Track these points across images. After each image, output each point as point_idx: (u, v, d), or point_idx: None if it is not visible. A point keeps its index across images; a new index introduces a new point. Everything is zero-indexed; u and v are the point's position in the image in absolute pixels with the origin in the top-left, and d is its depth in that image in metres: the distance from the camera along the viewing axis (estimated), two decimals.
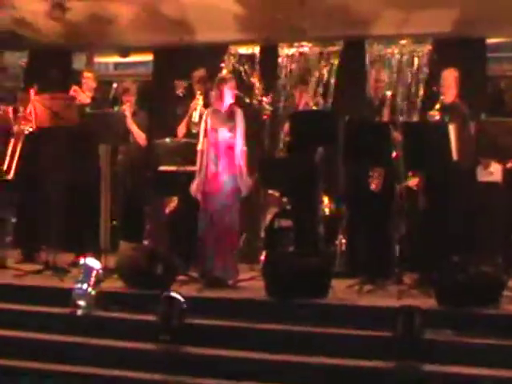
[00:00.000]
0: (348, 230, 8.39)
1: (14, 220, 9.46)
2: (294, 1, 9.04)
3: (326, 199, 8.80)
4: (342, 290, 7.15)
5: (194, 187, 7.58)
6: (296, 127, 7.78)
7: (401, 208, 7.67)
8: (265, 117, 8.93)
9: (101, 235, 8.76)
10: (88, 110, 8.26)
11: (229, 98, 7.62)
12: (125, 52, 10.68)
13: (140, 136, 8.49)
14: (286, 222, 8.52)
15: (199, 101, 8.28)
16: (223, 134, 7.56)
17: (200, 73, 8.52)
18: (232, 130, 7.54)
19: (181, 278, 7.57)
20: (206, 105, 8.08)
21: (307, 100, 8.47)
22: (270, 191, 8.80)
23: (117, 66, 11.20)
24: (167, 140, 7.87)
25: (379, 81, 7.96)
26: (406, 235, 7.77)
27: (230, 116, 7.58)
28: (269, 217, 8.79)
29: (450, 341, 6.01)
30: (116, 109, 8.54)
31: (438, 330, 6.06)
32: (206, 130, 7.56)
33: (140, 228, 8.78)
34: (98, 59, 10.92)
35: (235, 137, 7.54)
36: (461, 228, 7.47)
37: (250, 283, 7.52)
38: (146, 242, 9.16)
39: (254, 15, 9.58)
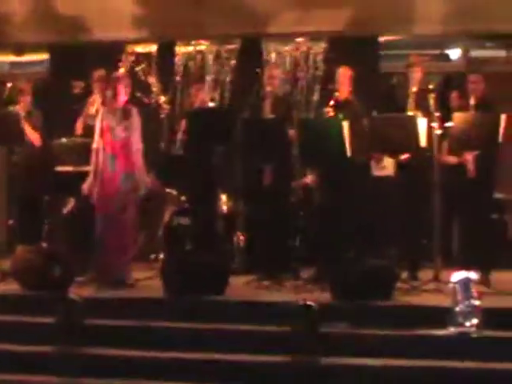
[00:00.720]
0: (245, 226, 8.46)
1: None
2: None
3: (224, 197, 8.87)
4: (240, 287, 7.23)
5: (85, 186, 7.52)
6: (191, 125, 7.84)
7: (297, 204, 7.82)
8: (162, 116, 8.92)
9: None
10: None
11: (123, 96, 7.58)
12: (19, 50, 10.48)
13: (34, 136, 8.35)
14: (184, 220, 8.53)
15: (97, 99, 8.22)
16: (118, 132, 7.52)
17: (99, 72, 8.44)
18: (127, 128, 7.51)
19: (79, 279, 7.53)
20: (104, 104, 8.01)
21: (204, 98, 8.50)
22: (168, 190, 8.78)
23: (12, 65, 10.98)
24: (63, 140, 7.79)
25: (273, 78, 8.01)
26: (303, 231, 7.93)
27: (126, 115, 7.55)
28: (167, 215, 8.78)
29: (346, 333, 6.14)
30: (10, 109, 8.38)
31: (334, 324, 6.18)
32: (101, 129, 7.51)
33: (38, 229, 8.61)
34: None
35: (131, 135, 7.51)
36: (356, 222, 7.60)
37: (149, 282, 7.51)
38: (43, 244, 9.02)
39: (150, 13, 9.57)
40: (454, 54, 10.73)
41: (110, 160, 7.49)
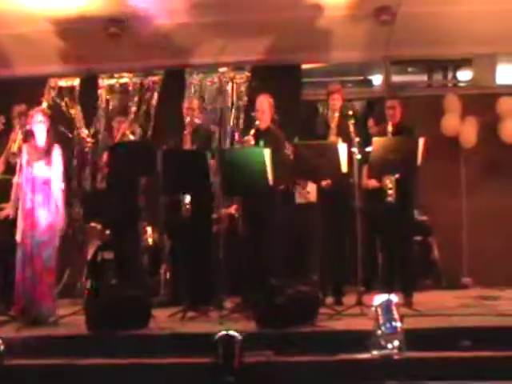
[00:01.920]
0: (170, 258, 8.42)
1: None
2: (114, 32, 9.01)
3: (149, 229, 8.84)
4: (164, 319, 7.17)
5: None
6: (113, 159, 7.77)
7: (221, 234, 7.81)
8: (86, 149, 8.87)
9: None
10: None
11: (42, 132, 7.50)
12: None
13: None
14: (108, 254, 8.45)
15: (18, 135, 8.11)
16: (39, 168, 7.43)
17: (20, 107, 8.35)
18: (48, 164, 7.43)
19: (1, 318, 7.40)
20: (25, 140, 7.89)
21: (125, 131, 8.44)
22: (93, 224, 8.70)
23: None
24: None
25: (190, 109, 8.01)
26: (226, 260, 7.91)
27: (47, 151, 7.47)
28: (91, 250, 8.69)
29: (270, 362, 6.12)
30: None
31: (258, 352, 6.15)
32: (21, 165, 7.42)
33: None
34: None
35: (51, 173, 7.44)
36: (279, 251, 7.59)
37: (73, 318, 7.35)
38: None
39: (73, 47, 9.52)
40: (377, 79, 10.90)
41: (30, 196, 7.39)
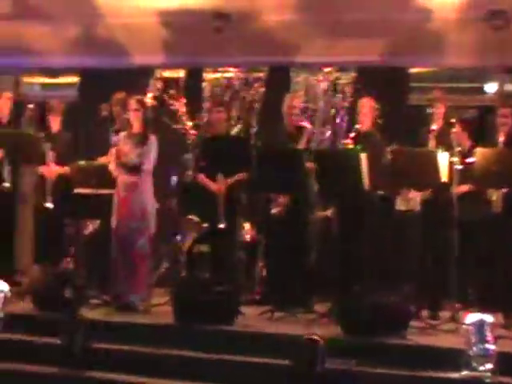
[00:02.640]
0: (264, 256, 8.38)
1: None
2: (219, 26, 9.03)
3: (247, 225, 8.81)
4: (252, 318, 7.16)
5: None
6: (207, 152, 7.81)
7: (314, 236, 7.73)
8: (189, 141, 8.92)
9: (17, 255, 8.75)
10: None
11: (140, 122, 7.59)
12: (54, 73, 10.59)
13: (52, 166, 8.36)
14: (203, 248, 8.48)
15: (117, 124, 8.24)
16: (132, 158, 7.54)
17: (119, 95, 8.45)
18: (141, 155, 7.53)
19: (94, 301, 7.55)
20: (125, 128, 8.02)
21: (223, 123, 8.42)
22: (190, 216, 8.74)
23: (44, 87, 11.10)
24: (82, 162, 7.80)
25: (292, 107, 7.93)
26: (319, 263, 7.83)
27: (143, 139, 7.56)
28: (188, 242, 8.74)
29: (353, 371, 6.00)
30: (31, 131, 8.46)
31: (342, 360, 6.06)
32: (117, 152, 7.53)
33: (57, 250, 8.63)
34: (25, 80, 10.81)
35: (145, 161, 7.52)
36: (372, 257, 7.45)
37: (163, 308, 7.45)
38: (64, 264, 9.08)
39: (180, 40, 9.57)
40: (490, 87, 10.57)
41: (124, 184, 7.50)
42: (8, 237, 8.53)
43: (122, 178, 7.54)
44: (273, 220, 7.78)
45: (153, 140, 7.63)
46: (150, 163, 7.55)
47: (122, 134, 7.68)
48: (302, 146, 7.70)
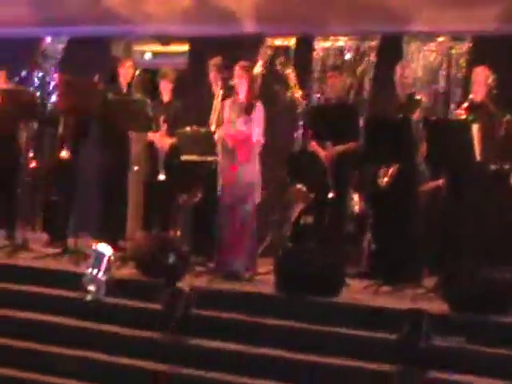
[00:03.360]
0: (372, 229, 8.19)
1: None
2: None
3: (355, 196, 8.64)
4: (357, 291, 7.03)
5: None
6: (316, 120, 7.67)
7: (421, 208, 7.49)
8: (298, 110, 8.81)
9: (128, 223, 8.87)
10: (110, 96, 8.21)
11: (244, 88, 7.51)
12: (166, 41, 10.64)
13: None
14: (310, 218, 8.37)
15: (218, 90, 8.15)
16: (239, 125, 7.46)
17: (216, 60, 8.37)
18: (248, 122, 7.43)
19: (199, 268, 7.56)
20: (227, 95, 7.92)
21: (341, 90, 8.26)
22: (298, 186, 8.64)
23: (155, 55, 11.17)
24: (187, 129, 7.75)
25: (404, 77, 7.70)
26: (428, 237, 7.59)
27: (249, 107, 7.47)
28: (295, 212, 8.65)
29: (459, 348, 5.81)
30: (138, 96, 8.50)
31: (448, 337, 5.87)
32: (222, 121, 7.48)
33: (165, 218, 8.69)
34: (136, 47, 10.90)
35: (251, 129, 7.43)
36: (483, 232, 7.18)
37: (267, 277, 7.36)
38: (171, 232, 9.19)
39: (291, 7, 9.43)
40: None
41: (230, 152, 7.44)
42: (120, 203, 8.66)
43: (228, 146, 7.47)
44: (381, 191, 7.59)
45: (259, 107, 7.52)
46: (256, 131, 7.46)
47: (228, 101, 7.59)
48: (413, 115, 7.48)
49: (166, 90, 8.59)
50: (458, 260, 6.90)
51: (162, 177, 7.99)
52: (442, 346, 5.77)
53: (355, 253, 8.27)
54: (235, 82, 7.54)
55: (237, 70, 7.57)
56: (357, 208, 8.64)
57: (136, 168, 8.32)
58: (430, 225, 7.64)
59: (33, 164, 9.01)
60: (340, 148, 7.71)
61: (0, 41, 10.34)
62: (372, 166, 7.59)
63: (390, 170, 7.31)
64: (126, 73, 8.67)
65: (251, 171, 7.45)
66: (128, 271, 7.35)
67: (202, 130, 7.67)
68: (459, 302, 6.22)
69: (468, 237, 7.07)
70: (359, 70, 9.52)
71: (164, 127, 8.16)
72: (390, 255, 7.42)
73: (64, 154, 7.88)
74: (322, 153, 7.78)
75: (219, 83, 8.04)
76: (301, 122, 8.94)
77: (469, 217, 7.12)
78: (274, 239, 8.70)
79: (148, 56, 11.22)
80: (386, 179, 7.31)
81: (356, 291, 7.00)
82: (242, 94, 7.54)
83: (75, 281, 6.93)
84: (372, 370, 5.83)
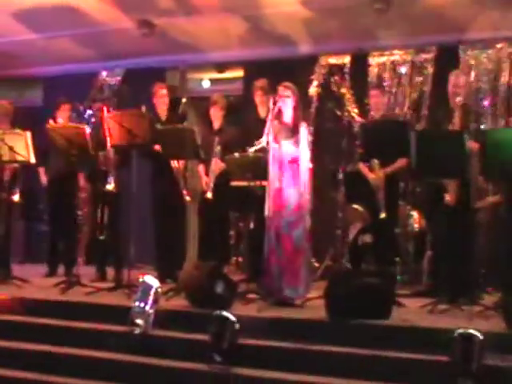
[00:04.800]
0: (433, 246, 7.87)
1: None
2: (380, 8, 8.61)
3: (414, 214, 8.35)
4: (412, 310, 6.76)
5: None
6: (365, 139, 7.41)
7: (481, 223, 7.15)
8: (355, 128, 8.61)
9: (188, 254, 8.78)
10: (158, 126, 8.15)
11: (290, 109, 7.31)
12: (221, 67, 10.60)
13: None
14: (368, 238, 8.12)
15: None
16: (286, 147, 7.26)
17: (261, 83, 8.23)
18: (295, 143, 7.22)
19: (250, 296, 7.38)
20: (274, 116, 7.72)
21: (384, 109, 7.99)
22: (355, 205, 8.40)
23: (211, 82, 11.14)
24: (236, 155, 7.61)
25: (457, 87, 7.36)
26: (489, 253, 7.25)
27: (294, 129, 7.26)
28: (353, 232, 8.42)
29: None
30: (185, 124, 8.42)
31: (502, 356, 5.52)
32: (268, 143, 7.28)
33: (222, 248, 8.57)
34: (192, 75, 10.89)
35: (299, 152, 7.21)
36: None
37: (319, 302, 7.11)
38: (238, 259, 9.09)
39: (343, 25, 9.26)
40: None
41: (278, 175, 7.22)
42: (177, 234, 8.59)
43: (276, 168, 7.28)
44: (442, 208, 7.26)
45: (305, 127, 7.30)
46: (304, 155, 7.24)
47: (275, 122, 7.40)
48: (467, 127, 7.14)
49: (216, 117, 8.52)
50: None
51: (209, 194, 7.95)
52: (497, 366, 5.44)
53: (415, 272, 8.01)
54: (279, 102, 7.33)
55: (280, 90, 7.37)
56: (416, 226, 8.38)
57: (188, 198, 8.19)
58: (491, 241, 7.29)
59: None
60: (388, 169, 7.51)
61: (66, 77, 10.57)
62: (433, 182, 7.29)
63: (452, 186, 6.97)
64: (161, 102, 8.67)
65: (300, 193, 7.20)
66: (179, 302, 7.22)
67: (251, 155, 7.50)
68: None
69: None
70: (415, 83, 9.26)
71: (217, 152, 8.10)
72: (450, 273, 7.10)
73: (110, 187, 7.86)
74: (369, 175, 7.58)
75: (266, 105, 7.84)
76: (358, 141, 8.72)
77: None
78: (332, 261, 8.50)
79: (206, 84, 11.20)
80: (450, 196, 6.98)
81: (410, 311, 6.71)
82: (288, 114, 7.36)
83: (126, 315, 6.86)
84: None
